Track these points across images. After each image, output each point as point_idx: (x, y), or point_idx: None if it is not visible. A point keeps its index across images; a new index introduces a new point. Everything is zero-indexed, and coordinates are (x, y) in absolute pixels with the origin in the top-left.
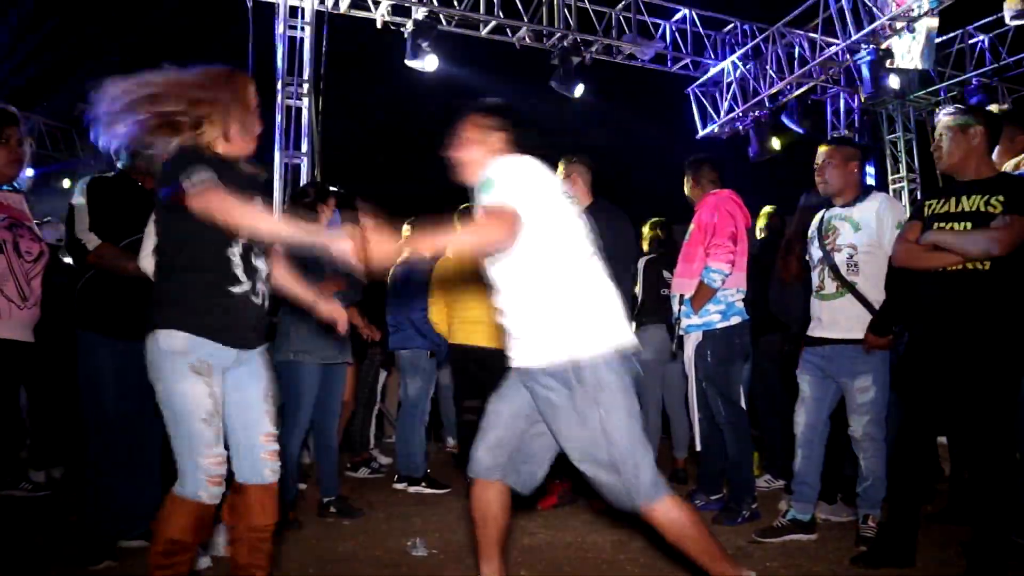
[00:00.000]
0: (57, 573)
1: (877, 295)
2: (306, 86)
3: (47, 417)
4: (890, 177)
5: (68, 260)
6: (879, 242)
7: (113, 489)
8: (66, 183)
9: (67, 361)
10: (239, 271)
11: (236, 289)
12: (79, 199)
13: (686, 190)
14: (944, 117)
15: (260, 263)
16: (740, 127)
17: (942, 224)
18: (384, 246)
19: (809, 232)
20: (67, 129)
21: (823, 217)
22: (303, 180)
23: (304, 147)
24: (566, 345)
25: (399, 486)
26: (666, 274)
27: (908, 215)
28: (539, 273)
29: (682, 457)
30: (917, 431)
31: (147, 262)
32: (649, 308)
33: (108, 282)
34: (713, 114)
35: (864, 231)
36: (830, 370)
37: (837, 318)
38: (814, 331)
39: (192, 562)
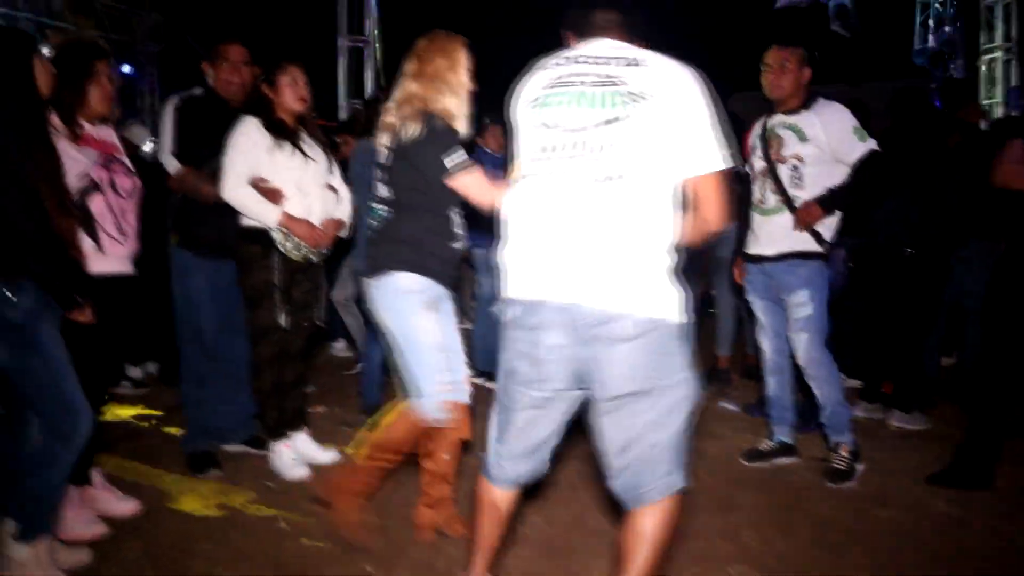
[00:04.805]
0: (172, 480)
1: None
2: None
3: (138, 314)
4: (982, 47)
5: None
6: (829, 153)
7: (212, 402)
8: (125, 67)
9: (153, 260)
10: (455, 228)
11: (454, 244)
12: (167, 119)
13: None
14: None
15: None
16: None
17: None
18: None
19: (750, 141)
20: (123, 9)
21: (765, 125)
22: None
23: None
24: None
25: (478, 381)
26: None
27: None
28: None
29: (725, 355)
30: (1005, 349)
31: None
32: None
33: (199, 203)
34: None
35: (812, 142)
36: (773, 289)
37: (775, 234)
38: (751, 247)
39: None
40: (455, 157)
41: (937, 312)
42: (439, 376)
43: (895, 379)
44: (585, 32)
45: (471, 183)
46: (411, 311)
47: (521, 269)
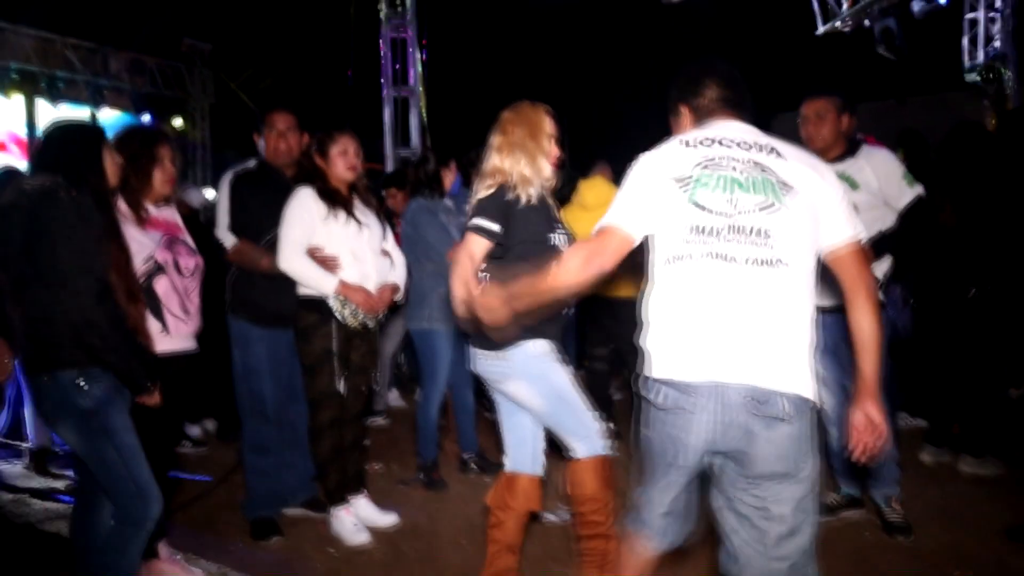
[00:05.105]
0: (236, 549)
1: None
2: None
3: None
4: None
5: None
6: (881, 198)
7: (273, 468)
8: (177, 122)
9: (209, 321)
10: None
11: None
12: (222, 195)
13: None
14: None
15: None
16: (867, 20)
17: None
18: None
19: None
20: (177, 66)
21: None
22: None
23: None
24: None
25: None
26: None
27: None
28: None
29: None
30: None
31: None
32: None
33: (256, 274)
34: (835, 5)
35: (864, 189)
36: (831, 341)
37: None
38: None
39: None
40: (475, 221)
41: (1005, 352)
42: (590, 412)
43: (964, 421)
44: (699, 107)
45: (466, 246)
46: (551, 370)
47: (675, 350)
